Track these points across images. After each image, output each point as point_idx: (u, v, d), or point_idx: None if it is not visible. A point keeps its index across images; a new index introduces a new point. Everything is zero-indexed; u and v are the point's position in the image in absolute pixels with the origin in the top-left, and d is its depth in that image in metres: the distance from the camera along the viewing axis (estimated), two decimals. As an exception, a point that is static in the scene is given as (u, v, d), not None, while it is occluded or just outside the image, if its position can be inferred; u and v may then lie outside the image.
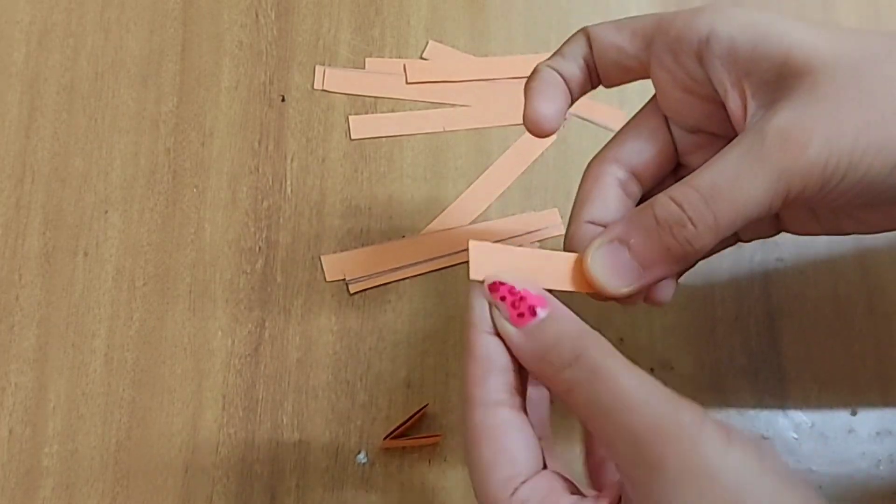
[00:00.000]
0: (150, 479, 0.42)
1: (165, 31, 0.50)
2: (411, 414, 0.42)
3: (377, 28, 0.50)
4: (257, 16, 0.50)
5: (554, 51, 0.36)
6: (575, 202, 0.35)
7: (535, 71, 0.35)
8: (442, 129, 0.48)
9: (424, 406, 0.43)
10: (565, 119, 0.37)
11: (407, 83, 0.49)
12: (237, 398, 0.43)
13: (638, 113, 0.36)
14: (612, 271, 0.31)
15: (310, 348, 0.44)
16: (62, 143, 0.47)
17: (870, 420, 0.43)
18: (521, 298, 0.30)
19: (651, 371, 0.43)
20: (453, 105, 0.49)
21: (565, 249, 0.34)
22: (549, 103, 0.34)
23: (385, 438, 0.42)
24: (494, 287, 0.30)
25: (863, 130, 0.29)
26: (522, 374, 0.30)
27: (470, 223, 0.47)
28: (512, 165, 0.48)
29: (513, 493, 0.28)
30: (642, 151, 0.35)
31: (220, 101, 0.49)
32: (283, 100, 0.49)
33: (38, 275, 0.45)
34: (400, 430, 0.42)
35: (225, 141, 0.48)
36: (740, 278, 0.45)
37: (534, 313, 0.29)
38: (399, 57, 0.50)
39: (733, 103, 0.32)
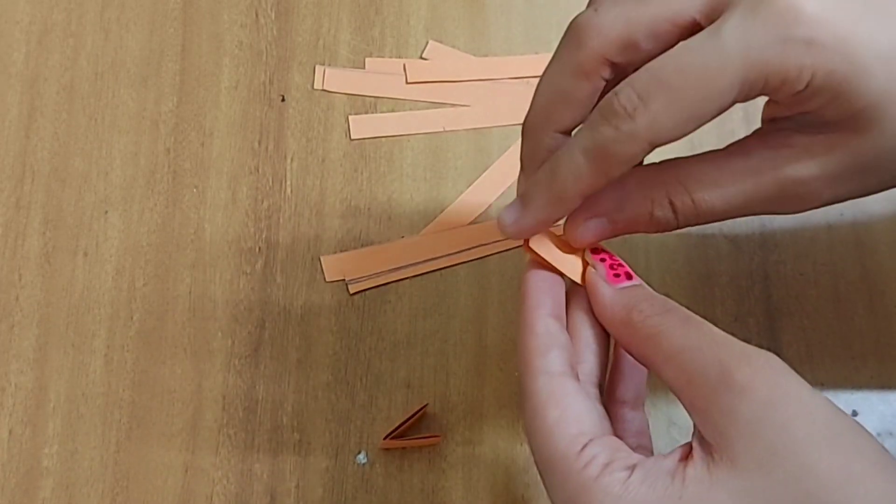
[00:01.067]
0: (150, 479, 0.42)
1: (165, 31, 0.50)
2: (411, 414, 0.42)
3: (377, 28, 0.50)
4: (257, 16, 0.50)
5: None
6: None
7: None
8: (442, 129, 0.48)
9: (424, 406, 0.43)
10: None
11: (407, 83, 0.49)
12: (237, 398, 0.43)
13: None
14: (590, 236, 0.33)
15: (310, 348, 0.44)
16: (62, 143, 0.47)
17: (870, 420, 0.43)
18: (620, 264, 0.32)
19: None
20: (453, 105, 0.49)
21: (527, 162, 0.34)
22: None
23: (385, 438, 0.42)
24: (596, 250, 0.32)
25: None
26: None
27: (470, 223, 0.47)
28: (512, 165, 0.48)
29: (582, 449, 0.28)
30: None
31: (220, 101, 0.49)
32: (283, 100, 0.49)
33: (38, 275, 0.45)
34: (400, 430, 0.42)
35: (225, 141, 0.48)
36: (740, 278, 0.45)
37: (630, 277, 0.31)
38: (399, 57, 0.50)
39: None
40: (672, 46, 0.29)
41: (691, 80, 0.27)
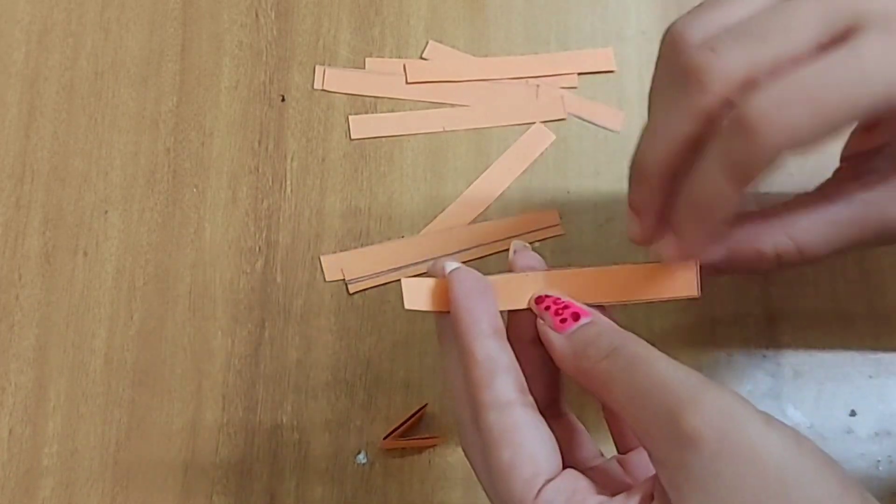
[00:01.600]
0: (150, 479, 0.42)
1: (165, 31, 0.50)
2: (411, 414, 0.42)
3: (377, 28, 0.50)
4: (257, 16, 0.50)
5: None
6: None
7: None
8: (442, 129, 0.48)
9: (424, 406, 0.43)
10: None
11: (407, 83, 0.49)
12: (237, 398, 0.43)
13: None
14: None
15: (309, 348, 0.44)
16: (62, 143, 0.47)
17: (869, 420, 0.43)
18: (566, 307, 0.31)
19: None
20: (453, 105, 0.49)
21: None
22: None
23: (385, 438, 0.42)
24: (540, 300, 0.32)
25: None
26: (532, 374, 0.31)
27: (470, 223, 0.47)
28: (512, 165, 0.48)
29: (537, 495, 0.28)
30: None
31: (220, 101, 0.49)
32: (283, 100, 0.49)
33: (38, 274, 0.45)
34: (399, 430, 0.42)
35: (225, 141, 0.48)
36: (740, 278, 0.45)
37: (576, 318, 0.31)
38: (399, 57, 0.50)
39: None
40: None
41: (834, 93, 0.27)
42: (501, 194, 0.47)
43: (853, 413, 0.43)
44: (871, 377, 0.44)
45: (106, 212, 0.46)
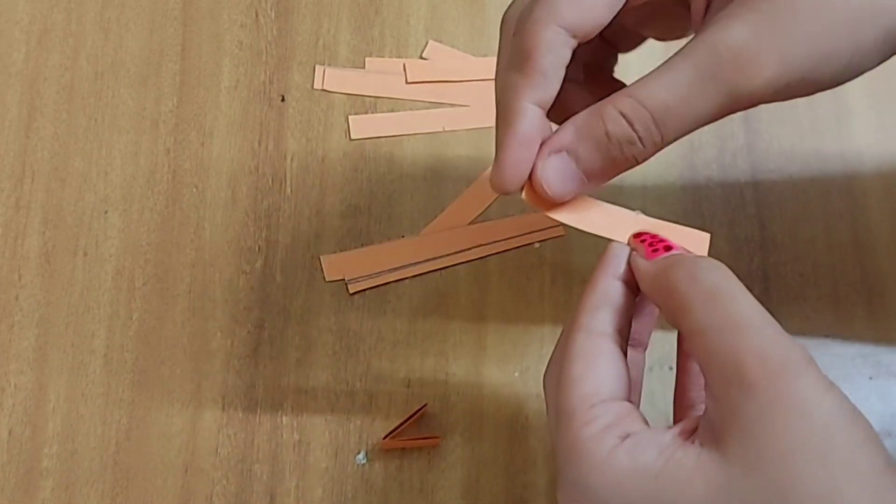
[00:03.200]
0: (150, 480, 0.42)
1: (165, 31, 0.50)
2: (411, 414, 0.42)
3: (377, 28, 0.50)
4: (257, 16, 0.50)
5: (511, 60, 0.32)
6: (517, 70, 0.31)
7: (508, 112, 0.32)
8: (442, 129, 0.48)
9: (424, 406, 0.43)
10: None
11: (407, 83, 0.49)
12: (237, 399, 0.43)
13: None
14: (559, 180, 0.32)
15: (309, 348, 0.44)
16: (62, 143, 0.47)
17: (869, 421, 0.43)
18: (660, 240, 0.31)
19: (650, 370, 0.43)
20: (453, 105, 0.49)
21: (503, 130, 0.32)
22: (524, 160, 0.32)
23: (385, 438, 0.42)
24: (638, 234, 0.32)
25: (814, 42, 0.29)
26: (634, 326, 0.32)
27: (470, 223, 0.47)
28: (512, 165, 0.47)
29: (591, 407, 0.28)
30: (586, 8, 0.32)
31: (220, 101, 0.49)
32: (282, 100, 0.49)
33: (38, 275, 0.45)
34: (399, 430, 0.42)
35: (225, 141, 0.48)
36: (740, 278, 0.45)
37: (668, 249, 0.31)
38: (399, 57, 0.50)
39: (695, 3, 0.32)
40: None
41: None
42: (501, 195, 0.47)
43: (853, 413, 0.43)
44: (870, 378, 0.44)
45: (106, 212, 0.46)
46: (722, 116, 0.30)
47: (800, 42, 0.29)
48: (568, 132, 0.31)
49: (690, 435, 0.27)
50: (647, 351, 0.35)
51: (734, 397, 0.26)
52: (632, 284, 0.31)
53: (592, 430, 0.28)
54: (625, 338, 0.31)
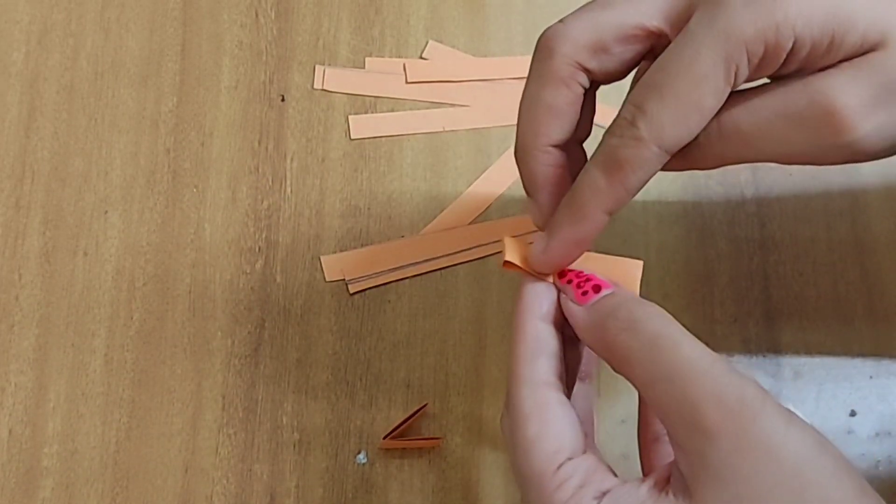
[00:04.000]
0: (150, 479, 0.42)
1: (165, 31, 0.50)
2: (411, 414, 0.42)
3: (377, 28, 0.50)
4: (257, 16, 0.50)
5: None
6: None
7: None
8: (442, 129, 0.48)
9: (424, 406, 0.43)
10: None
11: (407, 83, 0.49)
12: (237, 398, 0.43)
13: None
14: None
15: (309, 348, 0.44)
16: (62, 143, 0.47)
17: (869, 421, 0.43)
18: (587, 279, 0.31)
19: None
20: (453, 105, 0.49)
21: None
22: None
23: (385, 438, 0.42)
24: (563, 274, 0.32)
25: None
26: (569, 366, 0.31)
27: (470, 223, 0.47)
28: (512, 165, 0.47)
29: (558, 468, 0.28)
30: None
31: (220, 101, 0.49)
32: (282, 100, 0.49)
33: (38, 275, 0.45)
34: (399, 429, 0.42)
35: (225, 141, 0.48)
36: (740, 279, 0.45)
37: (597, 290, 0.30)
38: (399, 57, 0.50)
39: None
40: (644, 51, 0.30)
41: (672, 73, 0.28)
42: (501, 194, 0.47)
43: (853, 413, 0.43)
44: (871, 377, 0.44)
45: (106, 212, 0.46)
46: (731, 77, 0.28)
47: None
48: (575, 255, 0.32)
49: (665, 486, 0.27)
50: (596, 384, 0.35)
51: (698, 445, 0.26)
52: (560, 326, 0.31)
53: (566, 493, 0.27)
54: (564, 381, 0.31)
